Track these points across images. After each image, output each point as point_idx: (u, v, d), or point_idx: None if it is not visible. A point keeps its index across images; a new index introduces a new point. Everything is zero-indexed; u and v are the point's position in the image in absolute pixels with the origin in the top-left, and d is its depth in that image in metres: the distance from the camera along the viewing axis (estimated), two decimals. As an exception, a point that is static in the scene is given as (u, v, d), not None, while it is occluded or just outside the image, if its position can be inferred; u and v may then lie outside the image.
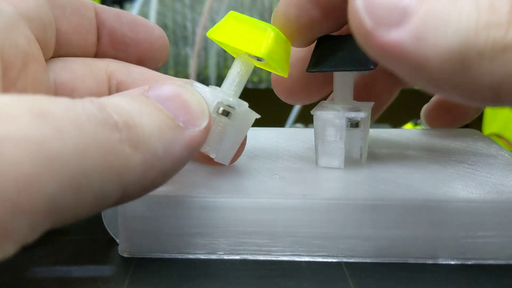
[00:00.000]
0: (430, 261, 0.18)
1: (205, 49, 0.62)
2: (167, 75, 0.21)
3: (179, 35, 0.63)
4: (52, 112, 0.12)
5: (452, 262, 0.18)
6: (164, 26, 0.62)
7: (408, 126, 0.51)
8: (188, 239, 0.18)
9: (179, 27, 0.62)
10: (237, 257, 0.18)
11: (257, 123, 0.20)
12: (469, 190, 0.18)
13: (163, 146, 0.14)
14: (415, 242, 0.18)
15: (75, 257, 0.18)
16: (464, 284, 0.17)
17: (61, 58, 0.20)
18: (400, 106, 0.66)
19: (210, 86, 0.19)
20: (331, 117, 0.19)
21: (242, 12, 0.66)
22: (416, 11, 0.13)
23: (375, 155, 0.22)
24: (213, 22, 0.61)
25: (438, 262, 0.18)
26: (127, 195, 0.14)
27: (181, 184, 0.18)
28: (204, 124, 0.16)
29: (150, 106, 0.15)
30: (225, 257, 0.18)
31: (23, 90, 0.17)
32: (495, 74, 0.12)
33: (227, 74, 0.19)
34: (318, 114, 0.20)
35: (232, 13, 0.19)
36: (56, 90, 0.19)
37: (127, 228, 0.18)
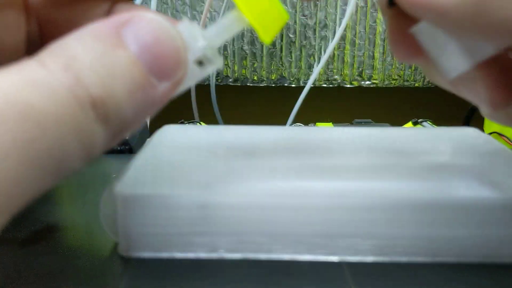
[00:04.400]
0: (430, 260, 0.18)
1: (205, 47, 0.62)
2: None
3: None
4: (37, 109, 0.12)
5: (453, 261, 0.18)
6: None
7: (409, 125, 0.51)
8: (188, 238, 0.18)
9: (179, 26, 0.62)
10: (238, 255, 0.18)
11: (257, 122, 0.19)
12: (471, 189, 0.18)
13: (133, 111, 0.13)
14: (415, 241, 0.17)
15: (74, 256, 0.18)
16: (465, 283, 0.17)
17: None
18: (400, 106, 0.66)
19: (195, 26, 0.17)
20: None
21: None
22: None
23: (375, 155, 0.22)
24: (213, 20, 0.61)
25: (439, 261, 0.18)
26: (88, 159, 0.13)
27: (181, 184, 0.18)
28: (179, 75, 0.14)
29: (123, 59, 0.13)
30: (226, 256, 0.18)
31: None
32: (507, 8, 0.13)
33: (219, 21, 0.18)
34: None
35: None
36: None
37: (126, 227, 0.18)
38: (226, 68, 0.64)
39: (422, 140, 0.25)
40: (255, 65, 0.63)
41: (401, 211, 0.17)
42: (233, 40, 0.63)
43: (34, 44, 0.19)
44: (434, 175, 0.19)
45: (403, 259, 0.18)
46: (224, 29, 0.17)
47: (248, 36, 0.64)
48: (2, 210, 0.11)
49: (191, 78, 0.16)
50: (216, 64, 0.17)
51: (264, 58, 0.63)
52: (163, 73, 0.14)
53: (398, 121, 0.52)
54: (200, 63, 0.16)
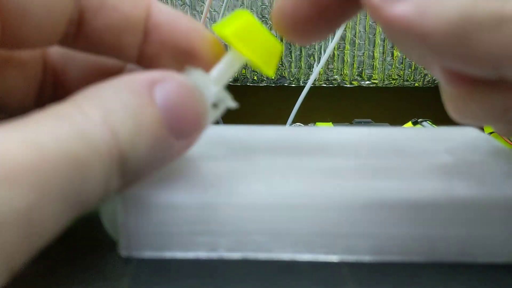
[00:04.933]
0: (430, 260, 0.18)
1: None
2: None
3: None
4: (80, 158, 0.12)
5: (453, 261, 0.18)
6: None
7: (408, 125, 0.51)
8: (189, 238, 0.18)
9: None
10: (238, 255, 0.18)
11: (257, 122, 0.20)
12: (470, 188, 0.18)
13: (149, 166, 0.14)
14: (415, 240, 0.18)
15: (74, 256, 0.18)
16: (466, 282, 0.17)
17: None
18: (400, 106, 0.66)
19: (204, 74, 0.18)
20: None
21: (242, 11, 0.66)
22: None
23: (375, 154, 0.22)
24: (213, 20, 0.61)
25: (438, 261, 0.18)
26: (97, 205, 0.15)
27: (182, 183, 0.18)
28: (196, 136, 0.15)
29: (151, 118, 0.14)
30: (226, 255, 0.18)
31: None
32: (495, 45, 0.12)
33: (220, 63, 0.18)
34: None
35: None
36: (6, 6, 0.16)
37: (127, 227, 0.18)
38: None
39: (422, 140, 0.25)
40: (255, 65, 0.63)
41: (401, 210, 0.17)
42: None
43: (46, 89, 0.19)
44: (433, 175, 0.19)
45: (403, 258, 0.18)
46: (225, 71, 0.18)
47: (248, 36, 0.64)
48: (34, 239, 0.12)
49: (209, 120, 0.18)
50: (228, 103, 0.18)
51: (264, 58, 0.63)
52: (183, 134, 0.15)
53: (398, 121, 0.52)
54: (214, 105, 0.18)
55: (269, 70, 0.19)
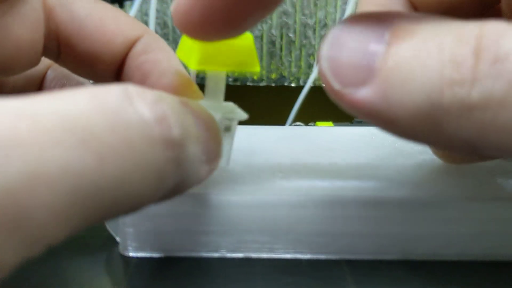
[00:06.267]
0: (430, 258, 0.18)
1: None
2: (120, 16, 0.19)
3: (179, 33, 0.63)
4: (98, 134, 0.10)
5: (454, 260, 0.18)
6: (164, 24, 0.62)
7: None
8: (190, 237, 0.18)
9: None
10: (240, 255, 0.18)
11: (257, 122, 0.20)
12: (470, 188, 0.18)
13: (192, 179, 0.14)
14: (416, 239, 0.18)
15: (75, 255, 0.18)
16: (466, 281, 0.17)
17: None
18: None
19: (203, 101, 0.18)
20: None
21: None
22: (380, 67, 0.12)
23: (376, 154, 0.22)
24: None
25: (439, 259, 0.18)
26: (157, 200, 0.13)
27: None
28: (217, 163, 0.15)
29: (192, 125, 0.13)
30: (228, 255, 0.18)
31: None
32: (465, 131, 0.12)
33: (207, 87, 0.18)
34: None
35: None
36: None
37: (127, 226, 0.18)
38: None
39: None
40: (255, 65, 0.63)
41: (401, 209, 0.17)
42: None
43: (51, 56, 0.19)
44: (434, 175, 0.19)
45: (404, 257, 0.18)
46: (214, 92, 0.18)
47: (248, 36, 0.64)
48: (32, 240, 0.10)
49: (228, 143, 0.18)
50: (238, 117, 0.18)
51: (264, 58, 0.63)
52: (209, 159, 0.14)
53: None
54: (227, 129, 0.18)
55: (252, 67, 0.18)
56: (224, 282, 0.16)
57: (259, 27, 0.63)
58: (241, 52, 0.17)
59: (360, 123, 0.52)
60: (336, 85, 0.13)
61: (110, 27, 0.18)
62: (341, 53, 0.13)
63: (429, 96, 0.11)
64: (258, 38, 0.63)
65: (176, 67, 0.19)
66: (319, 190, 0.18)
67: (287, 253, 0.18)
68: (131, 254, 0.18)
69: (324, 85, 0.13)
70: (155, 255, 0.18)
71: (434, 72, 0.11)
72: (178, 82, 0.18)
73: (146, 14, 0.56)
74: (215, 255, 0.18)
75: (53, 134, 0.10)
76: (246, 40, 0.17)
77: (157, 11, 0.61)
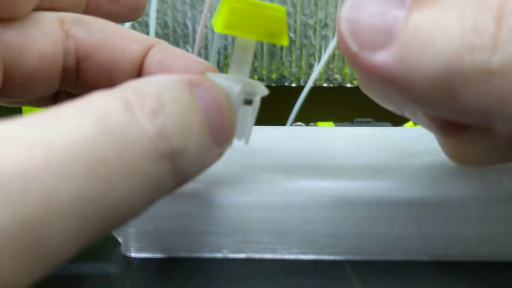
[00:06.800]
0: (436, 259, 0.18)
1: (205, 47, 0.62)
2: (133, 32, 0.19)
3: (180, 33, 0.63)
4: (105, 159, 0.11)
5: (459, 260, 0.18)
6: (165, 24, 0.62)
7: (409, 124, 0.51)
8: (192, 237, 0.18)
9: (180, 25, 0.62)
10: (242, 255, 0.18)
11: (258, 122, 0.19)
12: (475, 188, 0.18)
13: (196, 170, 0.14)
14: (419, 239, 0.18)
15: (76, 256, 0.18)
16: (472, 282, 0.17)
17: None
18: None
19: (225, 74, 0.17)
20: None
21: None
22: (400, 32, 0.12)
23: (378, 154, 0.22)
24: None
25: (442, 260, 0.18)
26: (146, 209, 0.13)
27: (184, 183, 0.18)
28: (228, 145, 0.15)
29: (197, 119, 0.13)
30: (230, 255, 0.18)
31: None
32: (482, 98, 0.12)
33: (233, 57, 0.18)
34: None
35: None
36: (2, 52, 0.17)
37: (129, 227, 0.18)
38: (226, 67, 0.64)
39: (423, 139, 0.25)
40: (255, 64, 0.63)
41: (403, 209, 0.17)
42: (233, 39, 0.63)
43: (69, 78, 0.19)
44: (435, 174, 0.19)
45: (407, 257, 0.18)
46: (242, 62, 0.17)
47: (249, 36, 0.64)
48: (46, 263, 0.10)
49: (249, 119, 0.18)
50: (260, 92, 0.17)
51: (264, 58, 0.63)
52: (218, 141, 0.14)
53: (398, 120, 0.52)
54: (248, 102, 0.17)
55: (281, 40, 0.17)
56: (227, 282, 0.16)
57: (259, 27, 0.62)
58: (273, 22, 0.17)
59: (361, 123, 0.52)
60: (354, 47, 0.13)
61: (126, 36, 0.19)
62: (361, 15, 0.13)
63: (448, 61, 0.12)
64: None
65: (197, 58, 0.19)
66: (321, 191, 0.18)
67: (290, 253, 0.18)
68: (133, 254, 0.18)
69: (341, 47, 0.13)
70: (157, 255, 0.18)
71: (455, 38, 0.11)
72: (200, 69, 0.18)
73: (147, 14, 0.56)
74: (218, 255, 0.18)
75: (65, 163, 0.10)
76: (279, 11, 0.17)
77: (158, 11, 0.61)
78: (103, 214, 0.11)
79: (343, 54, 0.13)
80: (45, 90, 0.19)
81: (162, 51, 0.19)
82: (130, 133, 0.11)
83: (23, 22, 0.17)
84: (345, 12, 0.13)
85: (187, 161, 0.13)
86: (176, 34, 0.63)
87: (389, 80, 0.13)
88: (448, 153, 0.20)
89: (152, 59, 0.19)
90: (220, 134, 0.14)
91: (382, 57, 0.12)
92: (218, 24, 0.16)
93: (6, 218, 0.09)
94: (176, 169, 0.13)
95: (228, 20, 0.16)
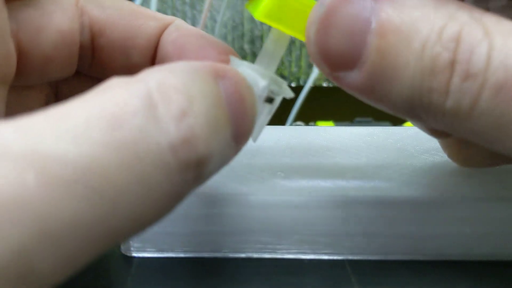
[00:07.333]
0: (434, 259, 0.18)
1: (205, 47, 0.62)
2: (149, 10, 0.19)
3: (179, 33, 0.63)
4: (111, 177, 0.09)
5: (459, 260, 0.18)
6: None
7: (409, 124, 0.51)
8: (192, 237, 0.18)
9: (179, 25, 0.62)
10: (242, 255, 0.18)
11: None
12: (473, 187, 0.18)
13: (214, 171, 0.12)
14: (418, 239, 0.18)
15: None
16: (470, 281, 0.17)
17: None
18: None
19: (252, 64, 0.16)
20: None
21: (243, 10, 0.66)
22: (368, 56, 0.13)
23: (377, 154, 0.22)
24: (213, 20, 0.61)
25: (442, 259, 0.18)
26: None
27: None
28: (245, 143, 0.13)
29: (222, 114, 0.12)
30: (230, 255, 0.18)
31: None
32: (440, 126, 0.13)
33: (264, 50, 0.16)
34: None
35: None
36: (19, 31, 0.16)
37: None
38: (226, 67, 0.63)
39: (423, 139, 0.25)
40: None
41: (403, 209, 0.17)
42: (233, 39, 0.63)
43: (84, 57, 0.18)
44: (435, 174, 0.19)
45: (407, 257, 0.18)
46: (272, 55, 0.16)
47: (248, 35, 0.64)
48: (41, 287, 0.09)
49: (264, 118, 0.17)
50: (285, 93, 0.16)
51: (264, 57, 0.63)
52: (238, 137, 0.13)
53: (398, 119, 0.52)
54: (269, 100, 0.16)
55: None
56: (226, 282, 0.16)
57: (259, 27, 0.62)
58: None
59: (361, 122, 0.52)
60: (325, 69, 0.14)
61: (142, 13, 0.18)
62: (329, 39, 0.13)
63: (410, 96, 0.13)
64: (258, 38, 0.63)
65: (214, 39, 0.18)
66: (321, 190, 0.18)
67: (290, 253, 0.18)
68: (134, 254, 0.18)
69: (316, 65, 0.14)
70: (157, 255, 0.18)
71: (416, 76, 0.12)
72: (218, 51, 0.17)
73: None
74: (218, 255, 0.18)
75: (62, 184, 0.09)
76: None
77: (158, 11, 0.61)
78: (108, 235, 0.10)
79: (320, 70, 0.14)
80: (64, 71, 0.18)
81: (179, 29, 0.18)
82: (147, 144, 0.10)
83: None
84: (313, 35, 0.14)
85: (211, 166, 0.12)
86: (176, 34, 0.63)
87: (363, 95, 0.14)
88: (450, 155, 0.20)
89: (168, 37, 0.18)
90: (240, 131, 0.13)
91: (353, 78, 0.13)
92: (260, 12, 0.15)
93: (1, 250, 0.08)
94: (198, 176, 0.11)
95: (271, 10, 0.15)
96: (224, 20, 0.62)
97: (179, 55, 0.17)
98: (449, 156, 0.20)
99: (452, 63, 0.12)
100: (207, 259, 0.18)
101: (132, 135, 0.10)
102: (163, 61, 0.18)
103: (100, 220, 0.09)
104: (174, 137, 0.10)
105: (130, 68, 0.18)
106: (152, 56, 0.18)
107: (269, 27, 0.16)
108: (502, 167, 0.20)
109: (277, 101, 0.17)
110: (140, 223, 0.10)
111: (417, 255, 0.18)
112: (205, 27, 0.60)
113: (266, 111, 0.16)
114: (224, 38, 0.63)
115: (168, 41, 0.18)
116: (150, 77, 0.11)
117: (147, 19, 0.18)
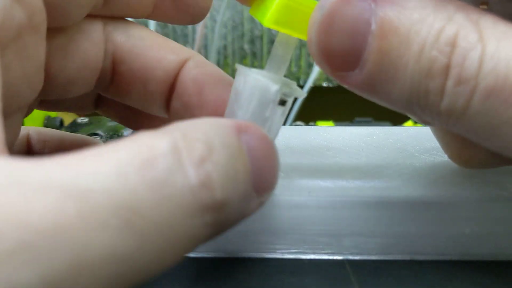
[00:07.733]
0: (434, 258, 0.18)
1: (205, 47, 0.62)
2: (170, 41, 0.19)
3: (180, 33, 0.63)
4: (143, 212, 0.10)
5: (458, 259, 0.18)
6: (164, 24, 0.62)
7: (409, 124, 0.51)
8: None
9: (180, 25, 0.62)
10: (242, 255, 0.18)
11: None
12: (473, 188, 0.18)
13: (235, 221, 0.13)
14: (419, 239, 0.18)
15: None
16: (470, 281, 0.17)
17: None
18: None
19: (262, 70, 0.16)
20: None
21: (243, 10, 0.66)
22: (368, 56, 0.13)
23: (377, 153, 0.22)
24: (213, 20, 0.61)
25: (442, 259, 0.18)
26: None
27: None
28: (270, 195, 0.14)
29: (243, 167, 0.13)
30: (230, 255, 0.18)
31: (8, 63, 0.14)
32: (436, 123, 0.14)
33: (273, 54, 0.17)
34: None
35: None
36: (50, 56, 0.17)
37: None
38: (226, 67, 0.64)
39: (423, 139, 0.25)
40: (255, 64, 0.63)
41: (403, 209, 0.17)
42: (233, 39, 0.63)
43: (104, 80, 0.19)
44: (435, 174, 0.19)
45: (406, 257, 0.18)
46: (281, 59, 0.17)
47: (248, 35, 0.64)
48: None
49: (278, 120, 0.17)
50: (297, 94, 0.17)
51: (264, 57, 0.63)
52: (262, 191, 0.13)
53: (398, 119, 0.52)
54: (282, 102, 0.16)
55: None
56: (226, 282, 0.16)
57: (259, 27, 0.63)
58: None
59: (361, 122, 0.52)
60: (327, 69, 0.14)
61: (163, 45, 0.19)
62: (330, 39, 0.14)
63: (409, 95, 0.13)
64: (258, 38, 0.63)
65: (230, 78, 0.19)
66: (321, 190, 0.18)
67: (290, 253, 0.18)
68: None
69: (317, 65, 0.15)
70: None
71: (414, 76, 0.13)
72: None
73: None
74: (218, 255, 0.18)
75: (100, 217, 0.09)
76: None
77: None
78: (134, 271, 0.10)
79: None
80: (82, 91, 0.19)
81: (198, 66, 0.19)
82: (173, 183, 0.11)
83: (73, 27, 0.17)
84: (314, 36, 0.14)
85: (229, 213, 0.12)
86: (176, 34, 0.63)
87: (365, 93, 0.14)
88: (451, 156, 0.20)
89: (188, 74, 0.18)
90: (262, 183, 0.13)
91: (354, 77, 0.14)
92: (268, 20, 0.15)
93: (32, 277, 0.08)
94: (216, 221, 0.12)
95: (279, 17, 0.15)
96: (224, 20, 0.62)
97: (199, 93, 0.18)
98: (449, 157, 0.20)
99: (447, 67, 0.13)
100: (207, 259, 0.18)
101: (162, 174, 0.11)
102: (182, 96, 0.19)
103: (128, 254, 0.10)
104: (193, 180, 0.11)
105: (146, 94, 0.19)
106: (168, 87, 0.19)
107: (270, 28, 0.16)
108: (502, 168, 0.20)
109: (289, 102, 0.17)
110: (158, 264, 0.11)
111: (417, 255, 0.18)
112: (205, 27, 0.60)
113: (280, 113, 0.17)
114: (224, 38, 0.63)
115: (188, 78, 0.18)
116: (176, 128, 0.12)
117: (167, 53, 0.19)
